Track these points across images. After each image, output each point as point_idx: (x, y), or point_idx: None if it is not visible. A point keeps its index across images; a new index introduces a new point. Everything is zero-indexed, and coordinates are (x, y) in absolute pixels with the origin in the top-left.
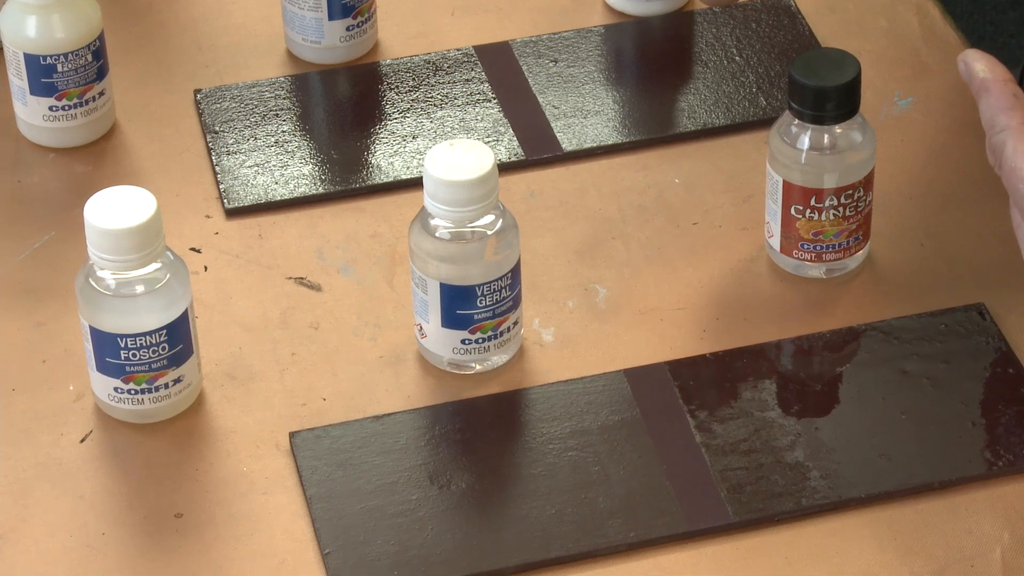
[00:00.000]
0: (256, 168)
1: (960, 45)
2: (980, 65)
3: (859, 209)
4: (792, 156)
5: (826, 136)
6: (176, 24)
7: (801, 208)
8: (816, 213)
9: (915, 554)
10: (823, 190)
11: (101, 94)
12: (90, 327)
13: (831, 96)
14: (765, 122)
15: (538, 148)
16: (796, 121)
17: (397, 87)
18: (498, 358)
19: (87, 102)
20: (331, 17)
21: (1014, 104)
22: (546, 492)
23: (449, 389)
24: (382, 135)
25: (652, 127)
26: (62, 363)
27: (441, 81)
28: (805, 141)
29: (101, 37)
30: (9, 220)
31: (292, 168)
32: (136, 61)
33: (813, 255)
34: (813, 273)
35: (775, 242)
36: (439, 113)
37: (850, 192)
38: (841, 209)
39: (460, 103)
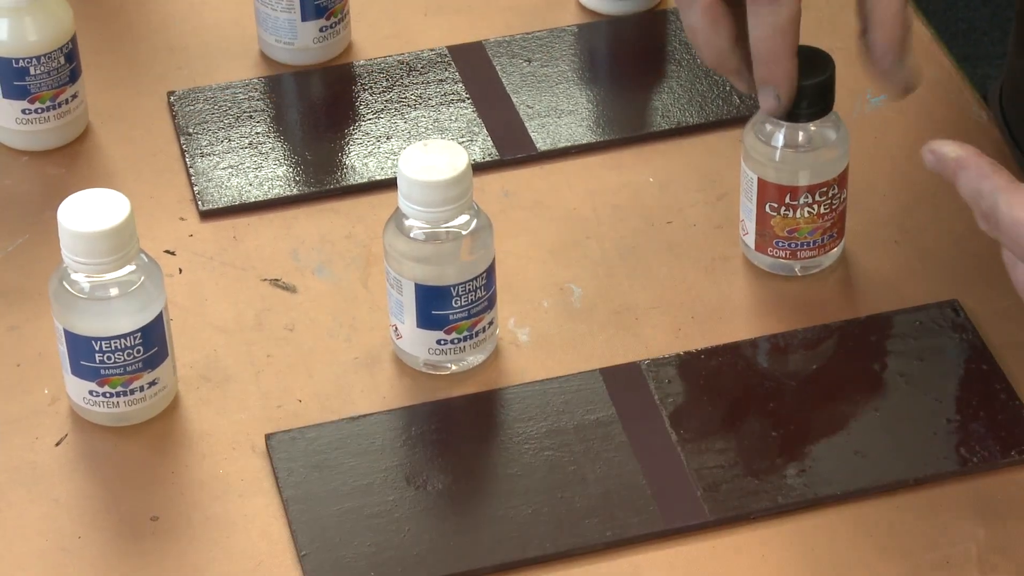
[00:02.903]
0: (230, 170)
1: (932, 42)
2: (949, 147)
3: (833, 207)
4: (767, 154)
5: (800, 133)
6: (148, 26)
7: (776, 206)
8: (791, 211)
9: (891, 551)
10: (798, 187)
11: (74, 96)
12: (64, 330)
13: (805, 94)
14: (739, 120)
15: (512, 148)
16: (770, 119)
17: (371, 88)
18: (474, 358)
19: (60, 105)
20: (304, 18)
21: (994, 170)
22: (522, 492)
23: (425, 389)
24: (356, 136)
25: (626, 126)
26: (36, 366)
27: (415, 81)
28: (780, 139)
29: (74, 40)
30: None
31: (266, 169)
32: (109, 63)
33: (788, 252)
34: (788, 271)
35: (750, 240)
36: (413, 114)
37: (825, 190)
38: (816, 206)
39: (434, 103)
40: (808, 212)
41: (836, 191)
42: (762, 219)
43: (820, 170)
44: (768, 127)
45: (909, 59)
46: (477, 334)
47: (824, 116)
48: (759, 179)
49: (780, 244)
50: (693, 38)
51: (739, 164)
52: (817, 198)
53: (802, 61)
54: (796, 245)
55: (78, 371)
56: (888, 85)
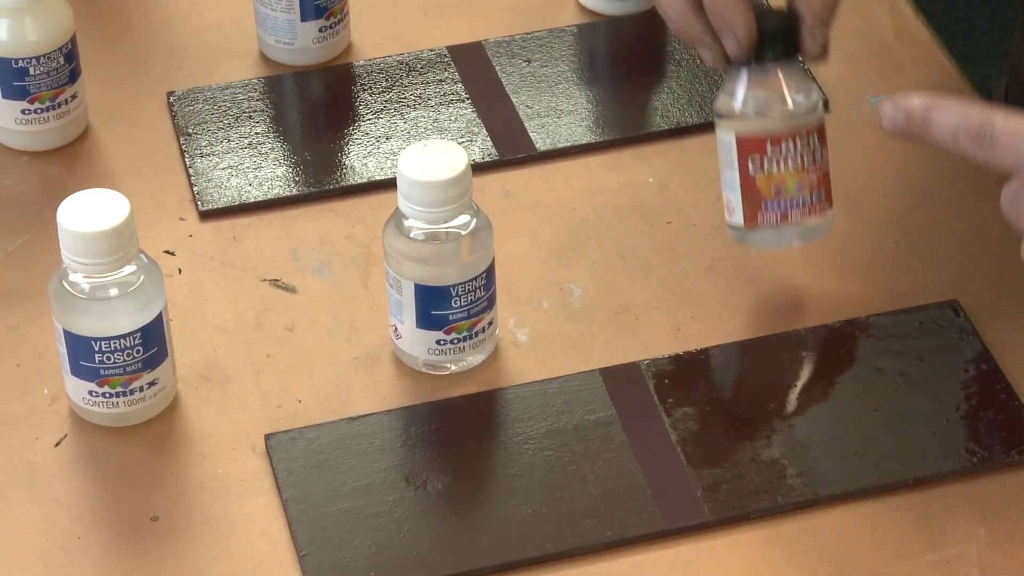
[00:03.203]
0: (230, 170)
1: (932, 42)
2: (916, 97)
3: (816, 160)
4: (739, 105)
5: (770, 78)
6: (148, 26)
7: (758, 159)
8: (774, 164)
9: (891, 551)
10: (777, 133)
11: (74, 97)
12: (64, 330)
13: (766, 35)
14: None
15: (512, 148)
16: (739, 73)
17: (370, 88)
18: (473, 358)
19: (59, 105)
20: (304, 18)
21: (974, 102)
22: (522, 492)
23: (425, 390)
24: (356, 136)
25: (626, 126)
26: (36, 367)
27: (414, 82)
28: (747, 81)
29: (73, 40)
30: None
31: (266, 170)
32: (108, 64)
33: (779, 215)
34: (784, 241)
35: (738, 217)
36: (412, 114)
37: (805, 138)
38: (799, 158)
39: (433, 103)
40: (791, 164)
41: (817, 144)
42: (747, 183)
43: (796, 118)
44: (737, 82)
45: (832, 24)
46: (477, 334)
47: (789, 59)
48: (736, 137)
49: (769, 206)
50: (659, 4)
51: None
52: (798, 146)
53: (765, 15)
54: (786, 204)
55: (78, 371)
56: (808, 42)
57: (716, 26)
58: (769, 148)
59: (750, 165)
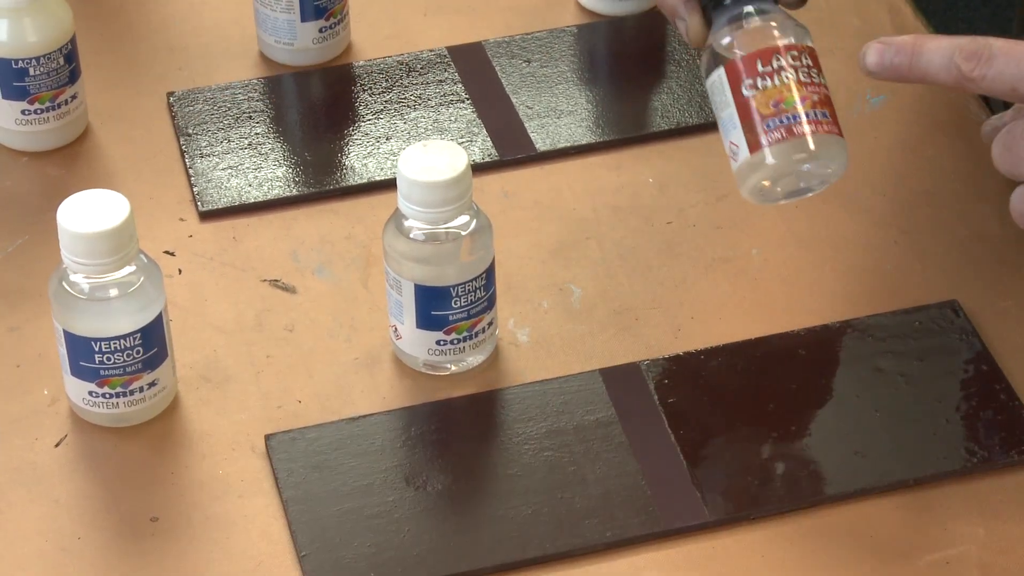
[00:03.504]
0: (230, 170)
1: None
2: (900, 37)
3: (813, 79)
4: (727, 36)
5: (754, 6)
6: (148, 27)
7: (752, 81)
8: (769, 79)
9: (891, 552)
10: (767, 49)
11: (73, 97)
12: (64, 331)
13: None
14: None
15: (512, 148)
16: (717, 20)
17: (370, 88)
18: (473, 359)
19: (59, 105)
20: (304, 19)
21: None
22: (522, 492)
23: (425, 390)
24: (356, 136)
25: (626, 126)
26: (36, 367)
27: (414, 82)
28: (734, 17)
29: (73, 40)
30: None
31: (266, 170)
32: (108, 64)
33: (784, 131)
34: (795, 169)
35: (743, 151)
36: (412, 114)
37: (796, 54)
38: (794, 71)
39: (433, 104)
40: (786, 78)
41: (811, 63)
42: (743, 109)
43: (783, 36)
44: (724, 30)
45: None
46: (477, 335)
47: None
48: (728, 64)
49: (772, 124)
50: None
51: None
52: (791, 61)
53: None
54: (788, 119)
55: (78, 372)
56: None
57: None
58: (759, 65)
59: (744, 89)
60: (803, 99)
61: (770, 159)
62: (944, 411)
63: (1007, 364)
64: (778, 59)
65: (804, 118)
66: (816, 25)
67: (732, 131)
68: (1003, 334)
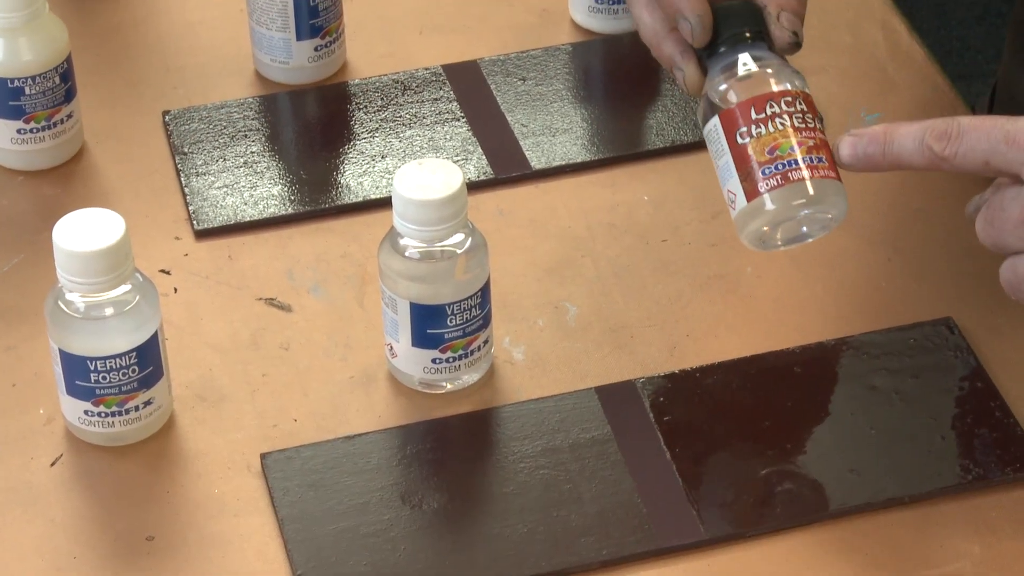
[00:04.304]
0: (225, 189)
1: (926, 60)
2: (872, 127)
3: (808, 124)
4: (722, 84)
5: (748, 53)
6: (144, 45)
7: (746, 128)
8: (763, 125)
9: (886, 569)
10: (761, 96)
11: (69, 116)
12: (60, 350)
13: (724, 19)
14: None
15: (507, 166)
16: (712, 68)
17: (366, 107)
18: (469, 377)
19: (55, 124)
20: (299, 37)
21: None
22: (518, 511)
23: (420, 408)
24: (351, 155)
25: (621, 144)
26: (32, 386)
27: (410, 100)
28: (723, 72)
29: (69, 59)
30: None
31: (261, 189)
32: (104, 83)
33: (780, 177)
34: (794, 215)
35: (740, 200)
36: (408, 132)
37: (790, 100)
38: (788, 117)
39: (429, 122)
40: (780, 124)
41: (805, 108)
42: (740, 157)
43: (778, 82)
44: (717, 76)
45: (802, 13)
46: (472, 353)
47: (752, 44)
48: (722, 113)
49: (768, 171)
50: (638, 28)
51: None
52: (786, 108)
53: (723, 4)
54: (784, 165)
55: (73, 391)
56: (775, 30)
57: (669, 15)
58: (753, 112)
59: (739, 137)
60: (799, 144)
61: (769, 205)
62: (939, 428)
63: (1002, 381)
64: (772, 106)
65: (801, 163)
66: (809, 43)
67: (729, 179)
68: (998, 351)
